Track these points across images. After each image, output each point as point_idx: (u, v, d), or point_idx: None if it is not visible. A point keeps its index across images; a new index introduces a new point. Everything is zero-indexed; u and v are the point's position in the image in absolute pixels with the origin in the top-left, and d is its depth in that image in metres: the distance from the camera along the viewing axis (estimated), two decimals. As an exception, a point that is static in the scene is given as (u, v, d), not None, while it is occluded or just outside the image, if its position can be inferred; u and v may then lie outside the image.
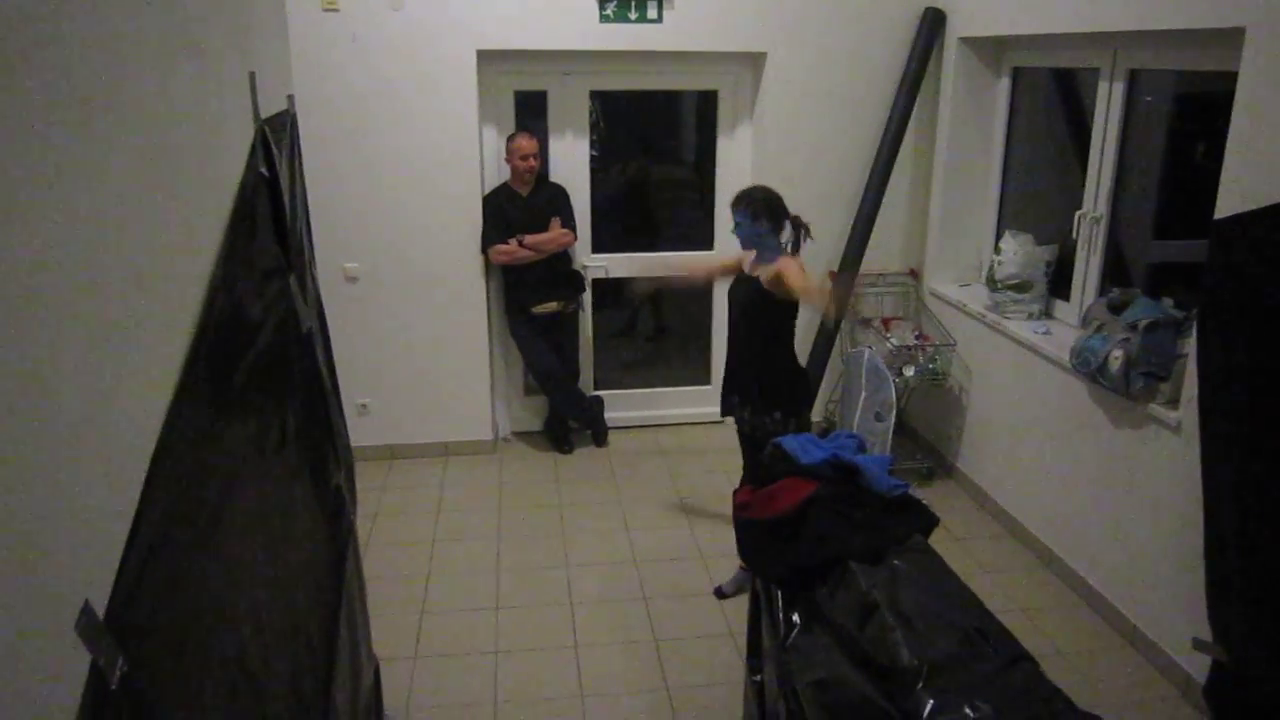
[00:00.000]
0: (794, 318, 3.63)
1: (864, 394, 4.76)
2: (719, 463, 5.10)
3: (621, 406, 5.54)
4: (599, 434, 5.37)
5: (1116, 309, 3.63)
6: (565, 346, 5.18)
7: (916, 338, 4.91)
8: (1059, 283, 4.37)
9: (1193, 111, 4.41)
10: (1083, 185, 4.11)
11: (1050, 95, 4.78)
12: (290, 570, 2.01)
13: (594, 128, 5.20)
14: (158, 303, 1.30)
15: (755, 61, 5.00)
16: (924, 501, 2.51)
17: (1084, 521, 3.84)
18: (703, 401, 5.64)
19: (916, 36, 4.85)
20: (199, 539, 1.39)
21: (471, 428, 5.18)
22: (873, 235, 5.02)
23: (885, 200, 5.00)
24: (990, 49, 4.70)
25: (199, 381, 1.41)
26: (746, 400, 3.72)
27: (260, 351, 1.85)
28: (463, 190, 4.82)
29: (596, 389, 5.51)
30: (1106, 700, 3.25)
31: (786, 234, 3.62)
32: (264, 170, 2.07)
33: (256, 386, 1.81)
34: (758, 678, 2.72)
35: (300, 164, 2.57)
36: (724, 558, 4.10)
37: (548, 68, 4.95)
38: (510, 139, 4.81)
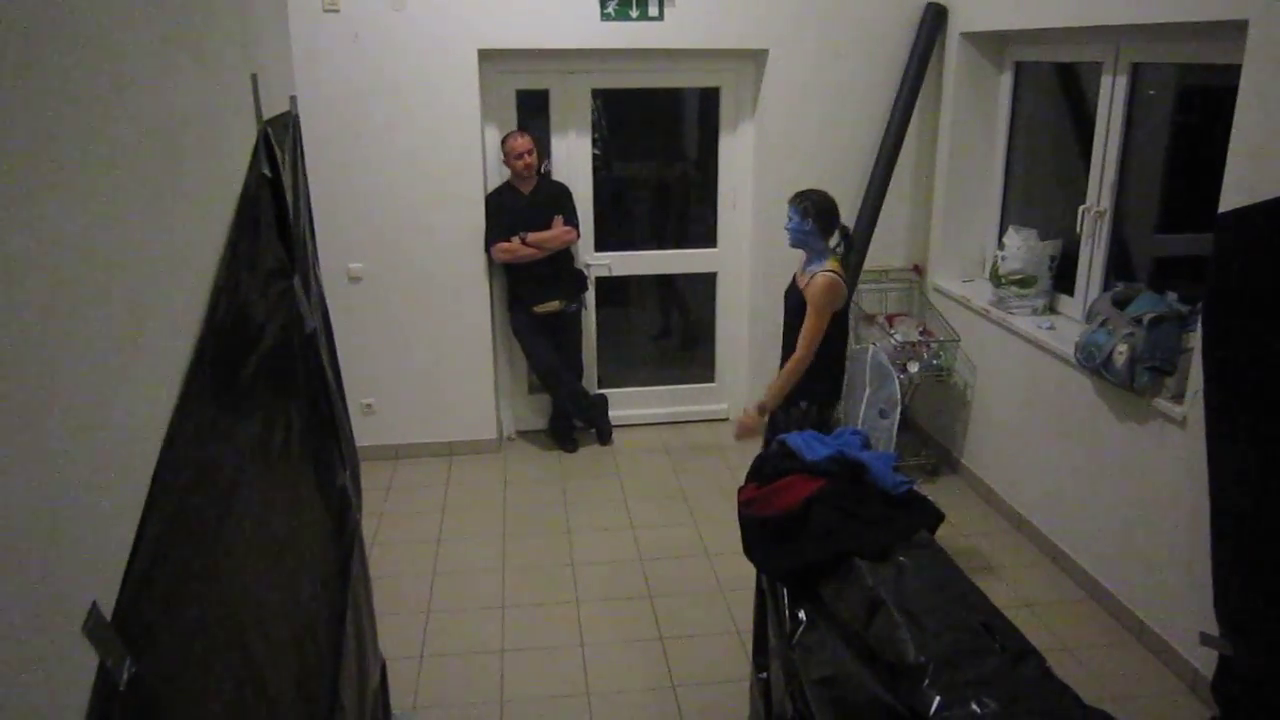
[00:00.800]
0: (839, 324, 3.74)
1: (868, 390, 4.75)
2: (724, 460, 5.10)
3: (626, 405, 5.54)
4: (603, 432, 5.37)
5: (1121, 303, 3.62)
6: (568, 345, 5.18)
7: (920, 334, 4.91)
8: (1063, 277, 4.36)
9: (1194, 104, 4.40)
10: (1086, 179, 4.11)
11: (1053, 90, 4.77)
12: (296, 571, 2.01)
13: (596, 126, 5.20)
14: (163, 305, 1.30)
15: (757, 58, 4.99)
16: (929, 498, 2.51)
17: (1089, 516, 3.84)
18: (707, 399, 5.64)
19: (918, 32, 4.84)
20: (205, 540, 1.39)
21: (476, 427, 5.18)
22: (876, 231, 5.01)
23: (888, 196, 4.99)
24: (992, 44, 4.69)
25: (204, 383, 1.41)
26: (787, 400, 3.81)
27: (264, 353, 1.86)
28: (465, 189, 4.82)
29: (601, 387, 5.51)
30: (1113, 695, 3.24)
31: (835, 240, 3.77)
32: (267, 171, 2.08)
33: (261, 387, 1.81)
34: (764, 675, 2.72)
35: (303, 165, 2.57)
36: (729, 555, 4.10)
37: (549, 66, 4.95)
38: (504, 141, 4.81)
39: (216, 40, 1.78)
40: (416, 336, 4.96)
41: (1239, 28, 2.94)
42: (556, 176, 5.08)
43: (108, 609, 1.01)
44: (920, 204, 5.13)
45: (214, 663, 1.39)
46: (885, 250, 5.13)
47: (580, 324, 5.25)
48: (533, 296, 4.95)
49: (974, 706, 1.64)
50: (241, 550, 1.59)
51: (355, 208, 4.72)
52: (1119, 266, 4.15)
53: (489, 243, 4.86)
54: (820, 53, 4.86)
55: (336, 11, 4.46)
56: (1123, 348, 3.43)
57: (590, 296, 5.30)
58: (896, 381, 4.63)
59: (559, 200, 4.94)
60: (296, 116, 2.52)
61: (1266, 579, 2.87)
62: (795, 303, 3.76)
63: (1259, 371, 2.83)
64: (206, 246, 1.58)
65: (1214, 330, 3.02)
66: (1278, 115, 2.78)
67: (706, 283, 5.57)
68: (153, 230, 1.28)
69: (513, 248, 4.82)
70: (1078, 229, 4.14)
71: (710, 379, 5.66)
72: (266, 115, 2.12)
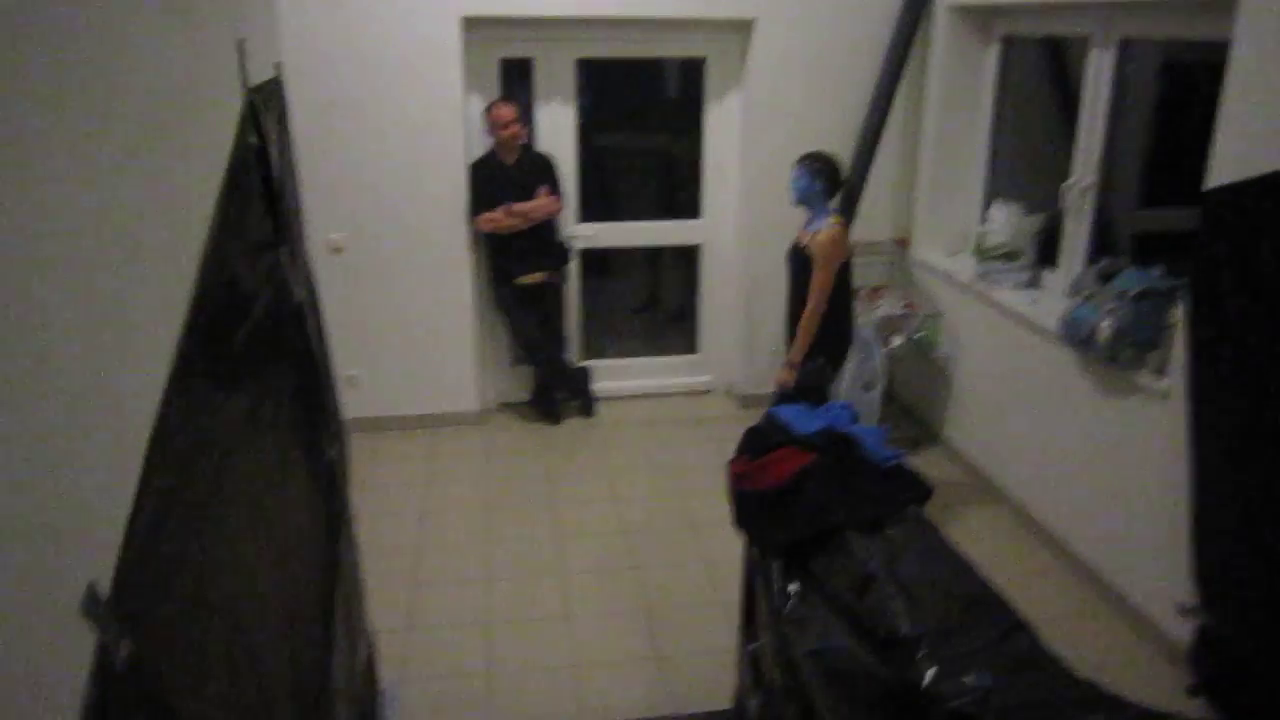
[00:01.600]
0: (844, 278, 3.92)
1: (852, 363, 4.76)
2: (708, 433, 5.11)
3: (609, 377, 5.53)
4: (587, 404, 5.36)
5: (1106, 278, 3.65)
6: (551, 317, 5.16)
7: (904, 307, 4.92)
8: (1047, 252, 4.38)
9: (1174, 80, 4.42)
10: (1070, 154, 4.11)
11: (1039, 64, 4.77)
12: (286, 546, 2.00)
13: (581, 95, 5.14)
14: (156, 277, 1.28)
15: (743, 28, 4.94)
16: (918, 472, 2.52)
17: (1070, 489, 3.88)
18: (691, 371, 5.64)
19: (905, 4, 4.81)
20: (198, 516, 1.38)
21: (459, 399, 5.16)
22: (860, 204, 5.01)
23: (873, 169, 4.99)
24: (979, 17, 4.67)
25: (194, 357, 1.39)
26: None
27: (253, 325, 1.83)
28: (448, 159, 4.76)
29: (584, 359, 5.50)
30: (1092, 665, 3.27)
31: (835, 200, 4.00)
32: (254, 140, 2.04)
33: (250, 360, 1.79)
34: (752, 646, 2.73)
35: (289, 134, 2.52)
36: (714, 527, 4.12)
37: (534, 35, 4.88)
38: (487, 110, 4.75)
39: (204, 5, 1.73)
40: (399, 308, 4.92)
41: (1227, 4, 2.93)
42: (540, 147, 5.03)
43: (104, 589, 1.00)
44: (905, 177, 5.13)
45: (208, 641, 1.38)
46: (869, 223, 5.12)
47: (563, 295, 5.22)
48: (516, 268, 4.92)
49: (968, 679, 1.66)
50: (233, 527, 1.58)
51: (336, 177, 4.64)
52: (1101, 241, 4.17)
53: (473, 213, 4.82)
54: (807, 23, 4.82)
55: (317, -25, 4.37)
56: (1107, 322, 3.46)
57: (573, 267, 5.27)
58: (879, 355, 4.65)
59: (544, 170, 4.89)
60: (282, 84, 2.47)
61: (1244, 551, 2.92)
62: (800, 263, 3.93)
63: (1243, 347, 2.86)
64: (198, 217, 1.55)
65: (1200, 305, 3.04)
66: (1266, 92, 2.79)
67: (691, 254, 5.55)
68: (147, 199, 1.26)
69: (497, 218, 4.77)
70: (1062, 203, 4.15)
71: (694, 350, 5.66)
72: (253, 83, 2.08)
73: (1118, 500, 3.58)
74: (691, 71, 5.27)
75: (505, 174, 4.81)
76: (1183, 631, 3.22)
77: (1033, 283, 4.40)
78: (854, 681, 1.88)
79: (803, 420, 2.64)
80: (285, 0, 4.19)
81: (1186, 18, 3.43)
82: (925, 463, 4.78)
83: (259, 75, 2.17)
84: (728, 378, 5.57)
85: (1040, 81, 4.77)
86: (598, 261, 5.63)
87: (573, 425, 5.25)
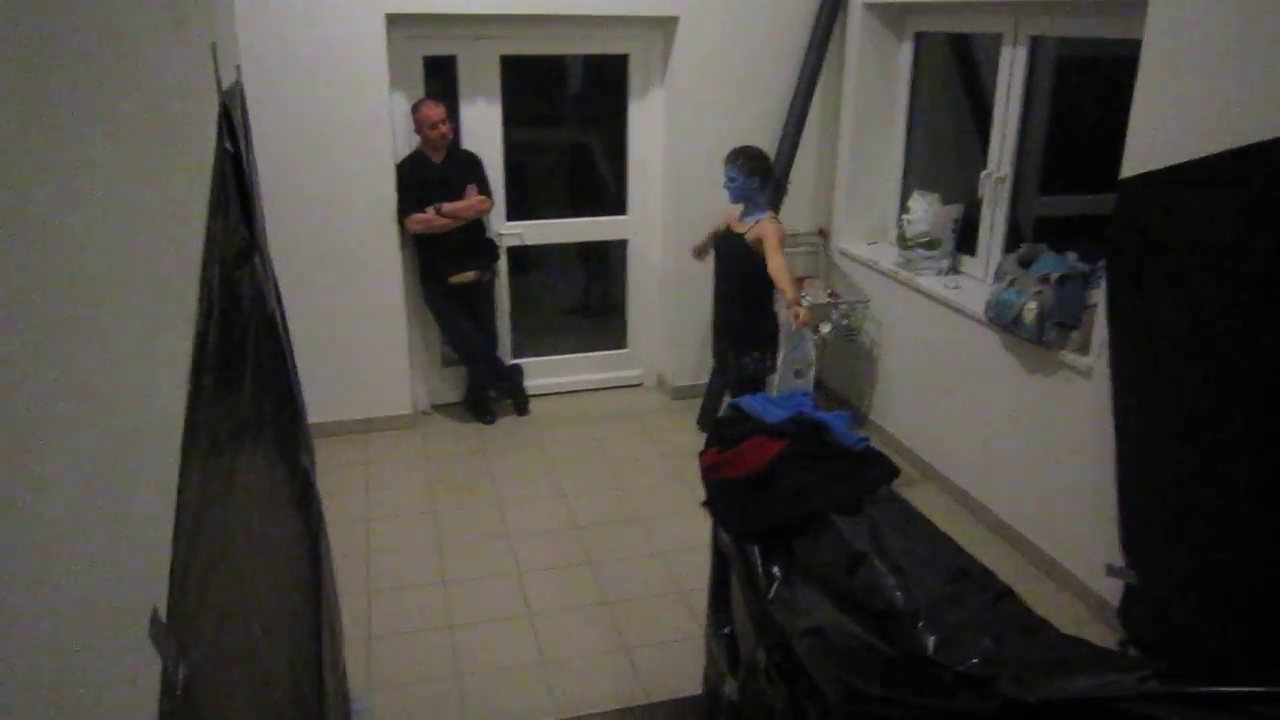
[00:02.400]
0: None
1: (783, 351, 4.90)
2: (642, 425, 5.17)
3: (540, 374, 5.53)
4: (520, 402, 5.35)
5: (1026, 263, 3.86)
6: (482, 315, 5.13)
7: (829, 295, 5.08)
8: (964, 240, 4.60)
9: (1074, 74, 4.70)
10: (984, 146, 4.33)
11: (951, 59, 4.98)
12: (280, 555, 1.98)
13: (505, 92, 5.12)
14: (172, 288, 1.26)
15: (666, 26, 5.01)
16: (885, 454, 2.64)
17: (999, 464, 4.09)
18: (621, 365, 5.69)
19: (823, 2, 4.95)
20: (219, 535, 1.37)
21: (391, 402, 5.08)
22: (785, 197, 5.14)
23: (795, 162, 5.12)
24: (893, 14, 4.85)
25: (205, 371, 1.37)
26: (733, 345, 4.35)
27: (241, 334, 1.80)
28: (375, 159, 4.68)
29: (514, 357, 5.48)
30: (1032, 627, 3.50)
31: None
32: (229, 145, 1.99)
33: (244, 372, 1.76)
34: (727, 629, 2.81)
35: (250, 138, 2.46)
36: (661, 518, 4.19)
37: (457, 32, 4.83)
38: (415, 109, 4.69)
39: (188, 6, 1.69)
40: (329, 312, 4.80)
41: (1138, 4, 3.14)
42: (466, 145, 4.98)
43: (162, 614, 1.00)
44: (825, 170, 5.29)
45: (233, 656, 1.38)
46: (792, 214, 5.25)
47: (494, 294, 5.20)
48: (447, 268, 4.87)
49: (971, 645, 1.77)
50: (243, 540, 1.57)
51: (261, 177, 4.49)
52: (1013, 228, 4.41)
53: (402, 214, 4.75)
54: (729, 20, 4.91)
55: (232, -29, 4.22)
56: (1032, 305, 3.66)
57: (502, 265, 5.25)
58: (810, 342, 4.80)
59: (472, 169, 4.86)
60: (243, 87, 2.41)
61: (1165, 514, 3.15)
62: (735, 248, 4.17)
63: (1158, 323, 3.09)
64: (196, 224, 1.52)
65: (1117, 286, 3.26)
66: (1176, 85, 3.01)
67: (619, 249, 5.60)
68: (154, 204, 1.22)
69: (428, 219, 4.72)
70: (979, 193, 4.36)
71: (624, 345, 5.71)
72: (224, 86, 2.03)
73: (1046, 472, 3.80)
74: (616, 68, 5.30)
75: (433, 173, 4.76)
76: (1113, 591, 3.45)
77: (953, 269, 4.61)
78: (855, 656, 1.97)
79: (769, 409, 2.73)
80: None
81: (1096, 17, 3.66)
82: (856, 445, 4.95)
83: (228, 78, 2.12)
84: (657, 370, 5.65)
85: (952, 76, 4.99)
86: (525, 259, 5.62)
87: (507, 424, 5.24)
